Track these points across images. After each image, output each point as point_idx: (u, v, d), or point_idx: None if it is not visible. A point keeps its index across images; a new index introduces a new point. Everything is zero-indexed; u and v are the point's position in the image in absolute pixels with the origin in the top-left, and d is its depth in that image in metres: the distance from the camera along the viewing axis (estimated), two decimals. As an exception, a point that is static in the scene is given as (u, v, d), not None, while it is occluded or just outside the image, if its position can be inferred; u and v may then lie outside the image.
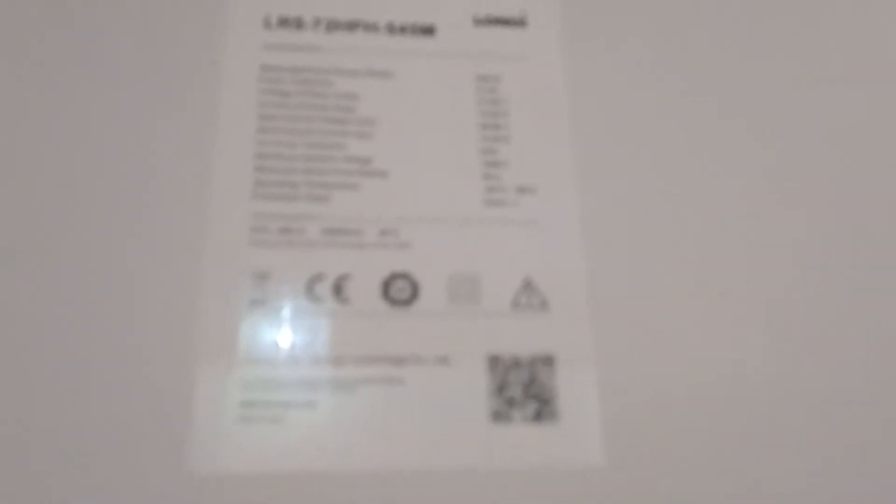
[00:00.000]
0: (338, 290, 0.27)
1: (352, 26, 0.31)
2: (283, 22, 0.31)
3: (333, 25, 0.31)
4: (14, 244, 0.26)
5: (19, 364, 0.25)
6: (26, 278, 0.26)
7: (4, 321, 0.25)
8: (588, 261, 0.29)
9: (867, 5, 0.35)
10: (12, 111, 0.28)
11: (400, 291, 0.27)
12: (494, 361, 0.27)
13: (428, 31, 0.32)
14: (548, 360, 0.27)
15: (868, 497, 0.27)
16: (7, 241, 0.26)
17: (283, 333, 0.26)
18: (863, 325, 0.29)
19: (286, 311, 0.26)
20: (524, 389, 0.27)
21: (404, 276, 0.27)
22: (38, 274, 0.26)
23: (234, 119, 0.29)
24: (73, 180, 0.27)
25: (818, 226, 0.30)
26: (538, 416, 0.26)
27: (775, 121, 0.32)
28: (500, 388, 0.26)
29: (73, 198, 0.27)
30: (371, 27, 0.31)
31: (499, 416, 0.26)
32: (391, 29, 0.32)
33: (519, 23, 0.32)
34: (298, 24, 0.31)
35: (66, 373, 0.25)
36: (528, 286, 0.28)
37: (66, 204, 0.27)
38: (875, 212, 0.31)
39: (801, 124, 0.32)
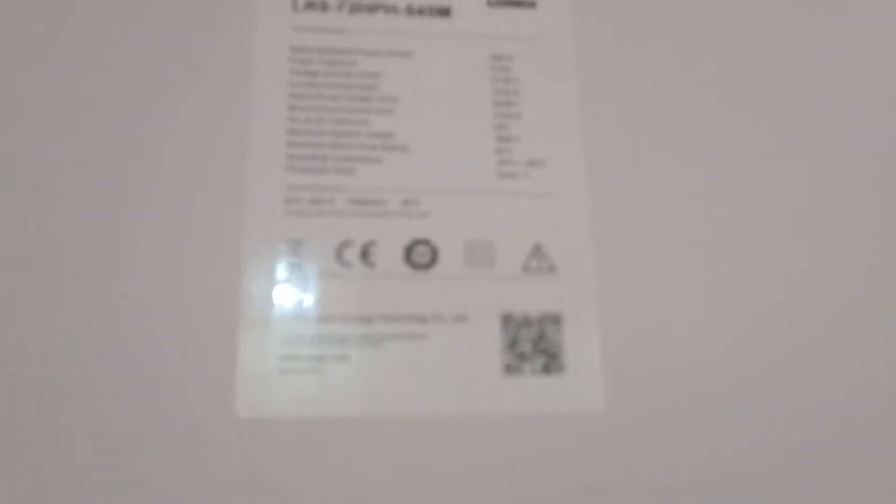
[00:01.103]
0: (365, 255, 0.30)
1: (373, 8, 0.33)
2: (310, 5, 0.33)
3: (356, 8, 0.33)
4: (77, 215, 0.29)
5: (86, 326, 0.28)
6: (92, 245, 0.29)
7: (73, 283, 0.28)
8: (593, 228, 0.31)
9: (876, 6, 0.37)
10: (56, 88, 0.30)
11: (421, 256, 0.30)
12: (507, 319, 0.30)
13: (444, 12, 0.34)
14: (555, 319, 0.30)
15: (855, 454, 0.30)
16: (71, 212, 0.29)
17: (316, 294, 0.29)
18: (864, 302, 0.32)
19: (319, 275, 0.29)
20: (534, 345, 0.29)
21: (425, 242, 0.30)
22: (99, 241, 0.29)
23: (267, 97, 0.31)
24: (121, 157, 0.30)
25: (825, 199, 0.33)
26: (546, 369, 0.29)
27: (784, 100, 0.34)
28: (513, 344, 0.29)
29: (121, 173, 0.30)
30: (391, 9, 0.34)
31: (511, 369, 0.29)
32: (410, 11, 0.34)
33: (530, 4, 0.34)
34: (324, 6, 0.33)
35: (125, 331, 0.28)
36: (537, 251, 0.31)
37: (116, 179, 0.30)
38: (883, 208, 0.33)
39: (811, 106, 0.34)
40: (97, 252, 0.29)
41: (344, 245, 0.30)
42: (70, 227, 0.29)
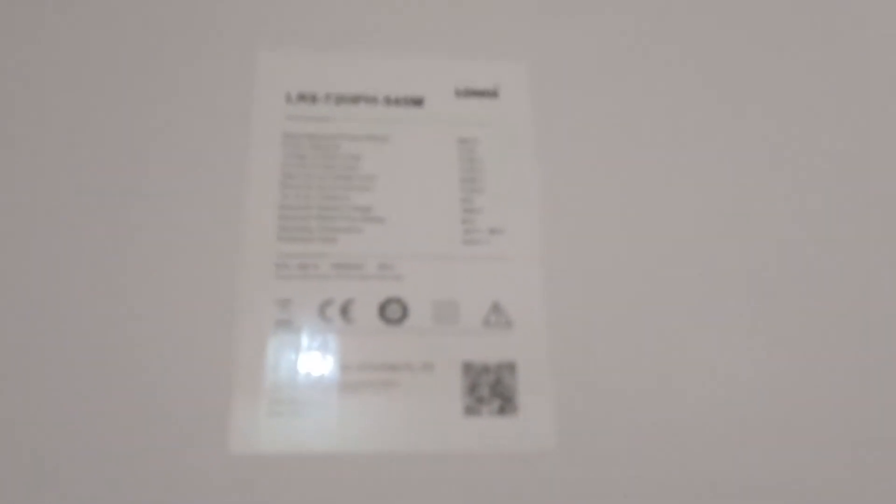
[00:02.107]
0: (344, 311, 0.34)
1: (356, 99, 0.39)
2: (301, 97, 0.39)
3: (341, 99, 0.39)
4: (79, 281, 0.34)
5: (96, 383, 0.32)
6: (97, 303, 0.33)
7: (77, 336, 0.33)
8: (545, 289, 0.36)
9: (859, 15, 0.42)
10: (74, 180, 0.36)
11: (394, 312, 0.35)
12: (468, 367, 0.34)
13: (418, 102, 0.39)
14: (510, 367, 0.34)
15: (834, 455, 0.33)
16: (74, 279, 0.34)
17: (302, 346, 0.33)
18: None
19: (304, 329, 0.34)
20: (491, 389, 0.34)
21: (397, 300, 0.35)
22: (105, 295, 0.33)
23: (262, 176, 0.37)
24: (135, 223, 0.35)
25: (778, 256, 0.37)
26: (502, 411, 0.33)
27: (734, 174, 0.39)
28: (472, 388, 0.34)
29: (134, 237, 0.35)
30: (371, 100, 0.39)
31: (471, 411, 0.33)
32: (388, 101, 0.39)
33: (493, 94, 0.40)
34: (313, 98, 0.39)
35: (131, 373, 0.32)
36: (496, 308, 0.35)
37: (131, 240, 0.35)
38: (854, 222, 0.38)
39: (761, 176, 0.39)
40: (105, 302, 0.33)
41: (326, 303, 0.34)
42: (82, 284, 0.34)
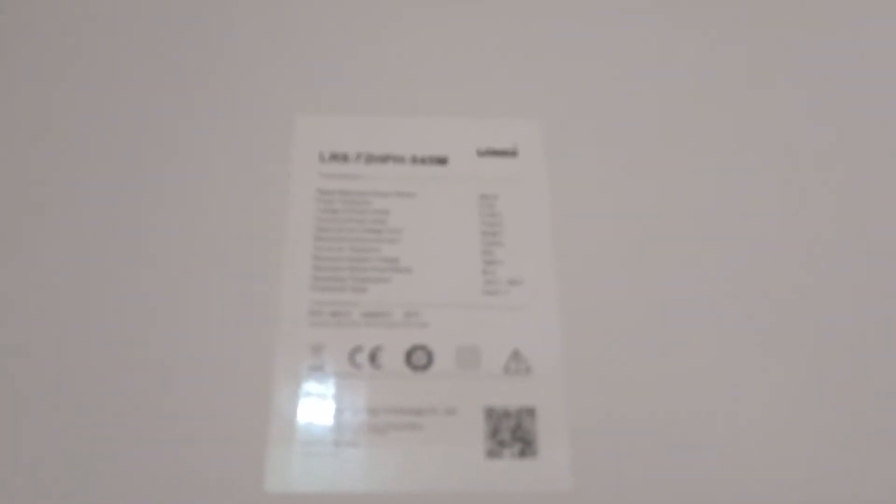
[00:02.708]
0: (373, 358, 0.36)
1: (384, 159, 0.42)
2: (334, 156, 0.42)
3: (371, 158, 0.42)
4: (128, 324, 0.36)
5: (140, 423, 0.34)
6: (146, 343, 0.36)
7: (121, 374, 0.35)
8: (563, 336, 0.38)
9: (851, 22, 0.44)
10: (119, 231, 0.39)
11: (419, 359, 0.37)
12: (490, 412, 0.36)
13: (442, 161, 0.42)
14: (530, 412, 0.36)
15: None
16: (123, 323, 0.36)
17: (333, 390, 0.36)
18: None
19: (335, 374, 0.36)
20: (512, 433, 0.35)
21: (423, 347, 0.37)
22: (153, 339, 0.36)
23: (298, 230, 0.39)
24: (182, 272, 0.38)
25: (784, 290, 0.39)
26: (522, 454, 0.35)
27: (750, 226, 0.41)
28: (494, 433, 0.35)
29: (181, 285, 0.37)
30: (399, 159, 0.42)
31: (492, 454, 0.35)
32: (414, 160, 0.42)
33: (512, 153, 0.43)
34: (345, 158, 0.42)
35: (166, 411, 0.34)
36: (516, 355, 0.37)
37: (180, 288, 0.37)
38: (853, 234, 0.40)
39: (769, 209, 0.41)
40: (153, 345, 0.36)
41: (356, 350, 0.37)
42: (122, 337, 0.36)
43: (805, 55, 0.47)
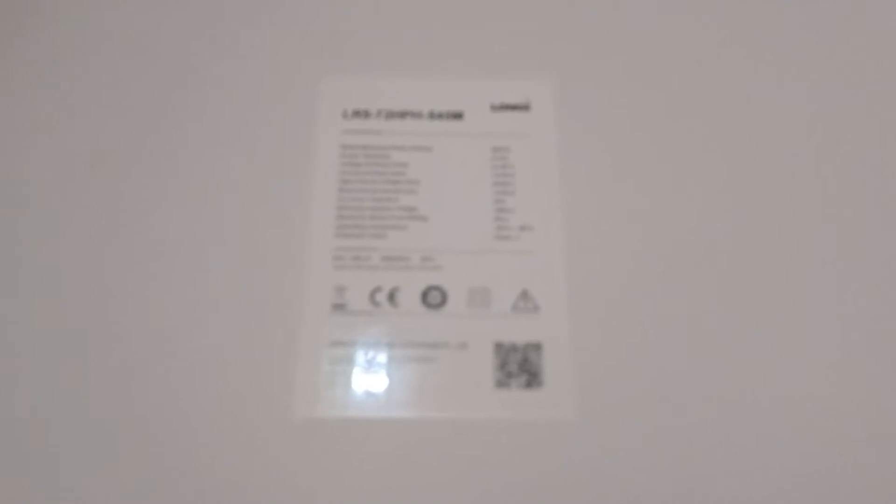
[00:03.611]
0: (391, 298, 0.40)
1: (403, 115, 0.44)
2: (356, 113, 0.44)
3: (390, 115, 0.44)
4: (165, 261, 0.40)
5: (176, 347, 0.38)
6: (182, 278, 0.40)
7: (158, 300, 0.39)
8: (568, 278, 0.40)
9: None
10: (147, 210, 0.42)
11: (434, 298, 0.40)
12: (499, 347, 0.39)
13: (458, 116, 0.45)
14: (537, 346, 0.39)
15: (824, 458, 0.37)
16: (158, 265, 0.40)
17: (354, 327, 0.39)
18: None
19: (357, 312, 0.39)
20: (519, 366, 0.38)
21: (437, 288, 0.40)
22: (187, 276, 0.40)
23: (324, 183, 0.42)
24: (216, 220, 0.41)
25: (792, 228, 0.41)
26: (529, 384, 0.38)
27: (757, 180, 0.43)
28: (502, 365, 0.38)
29: (216, 232, 0.41)
30: (417, 115, 0.44)
31: (500, 384, 0.38)
32: (431, 115, 0.45)
33: (525, 108, 0.45)
34: (366, 114, 0.44)
35: (205, 349, 0.38)
36: (524, 295, 0.40)
37: (215, 234, 0.41)
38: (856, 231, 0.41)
39: (772, 173, 0.43)
40: (188, 281, 0.40)
41: (376, 290, 0.40)
42: (177, 272, 0.40)
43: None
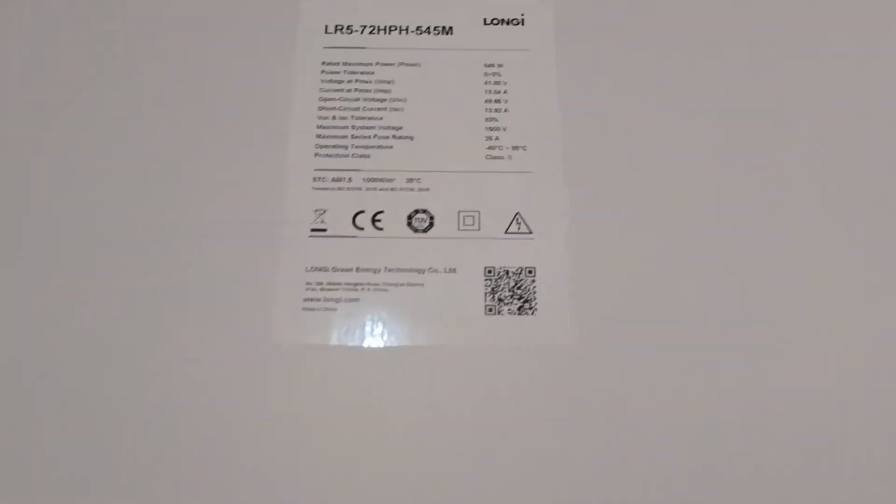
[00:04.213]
0: (374, 221, 0.37)
1: (389, 29, 0.41)
2: (338, 28, 0.41)
3: (375, 29, 0.41)
4: (146, 195, 0.38)
5: (154, 276, 0.36)
6: (165, 214, 0.37)
7: (138, 233, 0.37)
8: (565, 200, 0.38)
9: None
10: (120, 120, 0.40)
11: (420, 222, 0.37)
12: (490, 271, 0.36)
13: (447, 30, 0.42)
14: (531, 271, 0.36)
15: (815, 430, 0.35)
16: (140, 220, 0.38)
17: (336, 250, 0.36)
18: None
19: (338, 235, 0.37)
20: (511, 292, 0.36)
21: (424, 210, 0.37)
22: (167, 200, 0.37)
23: (303, 100, 0.40)
24: (193, 136, 0.39)
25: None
26: (521, 310, 0.36)
27: (747, 103, 0.40)
28: (493, 291, 0.36)
29: (181, 161, 0.38)
30: (403, 29, 0.41)
31: (491, 310, 0.36)
32: (419, 30, 0.41)
33: (519, 22, 0.42)
34: (350, 28, 0.41)
35: (193, 280, 0.36)
36: (517, 218, 0.37)
37: (192, 152, 0.38)
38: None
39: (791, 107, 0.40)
40: (167, 205, 0.37)
41: (359, 213, 0.37)
42: (135, 224, 0.37)
43: None
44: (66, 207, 0.37)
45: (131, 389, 0.34)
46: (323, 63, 0.41)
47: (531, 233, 0.37)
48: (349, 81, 0.40)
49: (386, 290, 0.36)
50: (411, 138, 0.39)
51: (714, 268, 0.37)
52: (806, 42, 0.41)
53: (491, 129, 0.39)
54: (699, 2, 0.42)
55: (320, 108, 0.39)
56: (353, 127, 0.39)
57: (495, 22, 0.42)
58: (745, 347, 0.35)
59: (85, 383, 0.34)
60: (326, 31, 0.41)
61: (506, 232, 0.37)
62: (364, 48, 0.41)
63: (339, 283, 0.36)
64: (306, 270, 0.36)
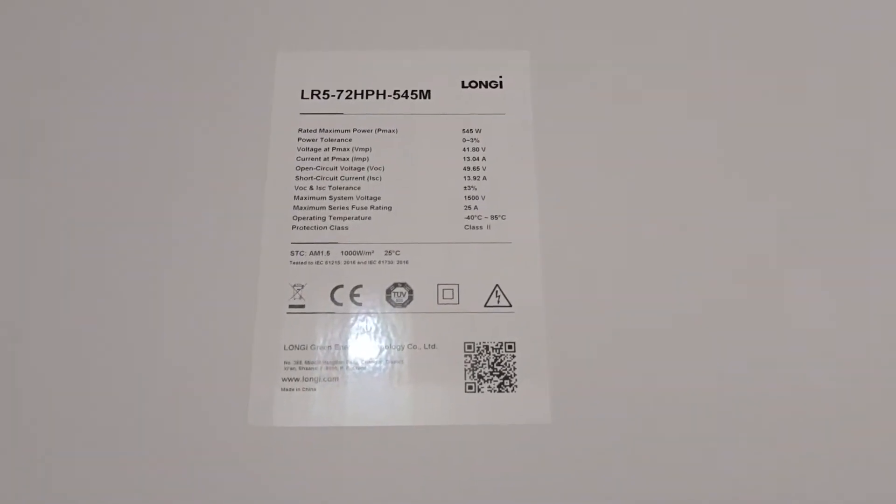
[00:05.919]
0: (353, 295, 0.37)
1: (366, 94, 0.41)
2: (315, 93, 0.41)
3: (352, 94, 0.41)
4: (116, 261, 0.37)
5: (129, 357, 0.36)
6: (134, 280, 0.37)
7: (111, 309, 0.36)
8: (544, 273, 0.38)
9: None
10: (111, 157, 0.39)
11: (400, 296, 0.37)
12: (470, 347, 0.36)
13: (425, 95, 0.41)
14: (510, 346, 0.36)
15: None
16: (114, 263, 0.37)
17: (314, 328, 0.36)
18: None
19: (316, 312, 0.36)
20: (491, 367, 0.36)
21: (403, 284, 0.37)
22: (141, 275, 0.37)
23: (279, 169, 0.39)
24: (168, 209, 0.38)
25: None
26: (501, 387, 0.35)
27: (729, 161, 0.40)
28: (473, 367, 0.36)
29: (166, 223, 0.38)
30: (381, 93, 0.41)
31: (472, 388, 0.35)
32: (396, 95, 0.41)
33: (497, 84, 0.42)
34: (326, 94, 0.41)
35: (165, 356, 0.35)
36: (497, 291, 0.37)
37: (164, 227, 0.38)
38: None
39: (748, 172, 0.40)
40: (141, 282, 0.37)
41: (337, 288, 0.37)
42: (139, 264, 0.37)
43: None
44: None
45: (101, 472, 0.34)
46: (300, 130, 0.40)
47: (510, 306, 0.37)
48: (326, 150, 0.40)
49: (365, 367, 0.36)
50: (389, 208, 0.39)
51: (695, 343, 0.37)
52: (782, 97, 0.41)
53: (469, 197, 0.39)
54: (679, 63, 0.42)
55: (297, 178, 0.39)
56: (330, 197, 0.39)
57: (473, 85, 0.42)
58: (727, 423, 0.35)
59: (61, 457, 0.34)
60: (303, 97, 0.41)
61: (485, 305, 0.37)
62: (341, 114, 0.41)
63: (317, 362, 0.36)
64: (284, 349, 0.36)
